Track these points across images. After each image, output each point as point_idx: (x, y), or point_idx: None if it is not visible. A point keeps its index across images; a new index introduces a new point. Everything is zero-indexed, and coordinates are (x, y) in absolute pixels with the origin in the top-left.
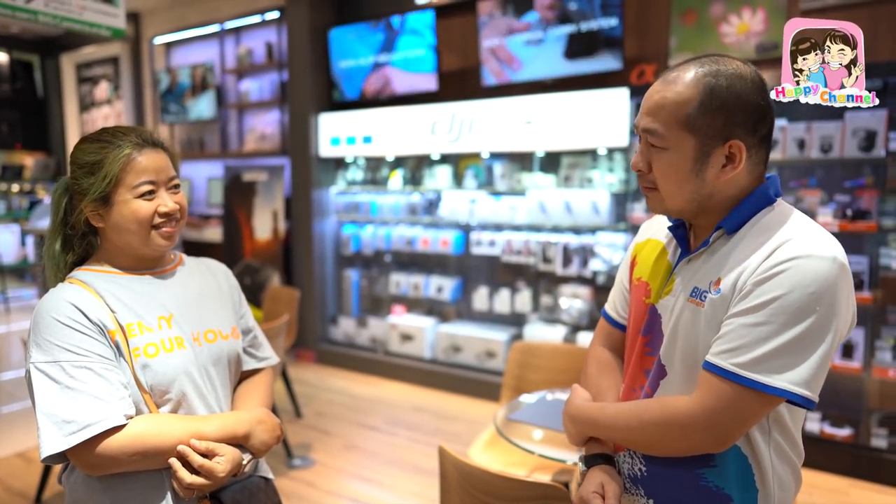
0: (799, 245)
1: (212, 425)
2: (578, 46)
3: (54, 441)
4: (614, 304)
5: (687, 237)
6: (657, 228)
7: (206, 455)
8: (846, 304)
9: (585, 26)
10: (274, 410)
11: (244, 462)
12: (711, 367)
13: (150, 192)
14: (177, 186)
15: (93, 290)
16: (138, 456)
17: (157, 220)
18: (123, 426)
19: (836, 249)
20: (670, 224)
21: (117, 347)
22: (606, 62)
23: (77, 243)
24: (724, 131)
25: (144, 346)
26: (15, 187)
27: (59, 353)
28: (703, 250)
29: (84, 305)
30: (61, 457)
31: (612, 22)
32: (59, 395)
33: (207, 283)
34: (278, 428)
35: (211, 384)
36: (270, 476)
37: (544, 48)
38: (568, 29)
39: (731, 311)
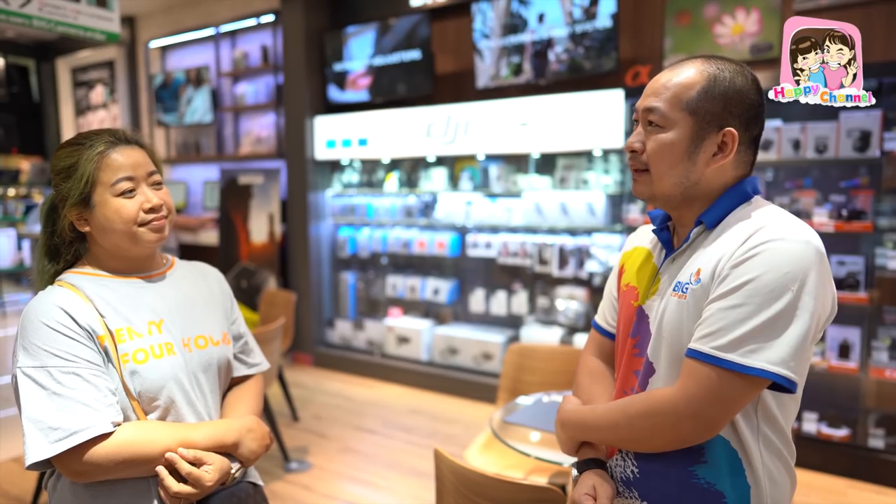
0: (773, 229)
1: (200, 433)
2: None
3: (40, 448)
4: (604, 315)
5: (671, 239)
6: (643, 237)
7: (194, 463)
8: (822, 287)
9: (580, 28)
10: (270, 413)
11: (233, 471)
12: (692, 353)
13: (131, 190)
14: (159, 183)
15: (82, 293)
16: (125, 464)
17: (143, 216)
18: (111, 433)
19: (810, 234)
20: (654, 228)
21: (106, 353)
22: (601, 63)
23: (65, 251)
24: (721, 119)
25: (133, 351)
26: (11, 191)
27: (47, 358)
28: (685, 246)
29: (73, 310)
30: (47, 463)
31: (607, 23)
32: (46, 400)
33: (199, 287)
34: (268, 436)
35: (200, 391)
36: (259, 482)
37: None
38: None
39: (710, 297)
